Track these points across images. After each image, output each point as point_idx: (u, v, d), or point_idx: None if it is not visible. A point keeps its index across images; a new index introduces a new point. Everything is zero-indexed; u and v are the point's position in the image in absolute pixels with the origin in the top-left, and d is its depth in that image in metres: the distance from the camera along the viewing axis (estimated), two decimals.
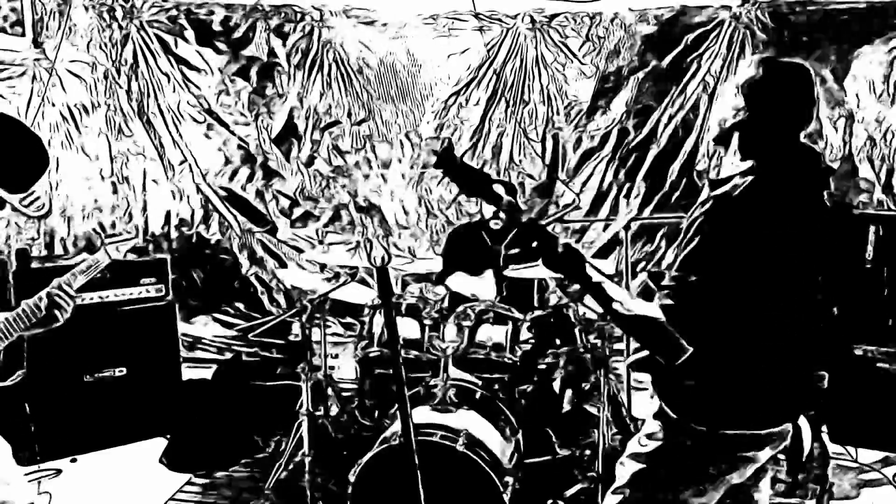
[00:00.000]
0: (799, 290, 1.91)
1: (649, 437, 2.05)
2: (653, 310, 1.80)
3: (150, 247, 5.54)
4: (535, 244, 1.88)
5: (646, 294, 2.02)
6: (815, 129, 5.16)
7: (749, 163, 1.90)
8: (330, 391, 4.02)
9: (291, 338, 5.29)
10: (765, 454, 1.97)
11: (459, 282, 4.05)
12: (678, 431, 1.95)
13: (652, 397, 2.05)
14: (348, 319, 5.45)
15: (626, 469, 2.07)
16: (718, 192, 1.87)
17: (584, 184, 5.53)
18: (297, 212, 5.77)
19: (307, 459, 3.41)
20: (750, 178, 1.86)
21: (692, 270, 1.79)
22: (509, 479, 2.88)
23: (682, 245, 1.83)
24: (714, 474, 1.94)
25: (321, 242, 5.64)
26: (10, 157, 2.20)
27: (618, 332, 3.84)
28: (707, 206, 1.84)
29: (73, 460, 3.92)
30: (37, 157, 2.28)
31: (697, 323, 1.78)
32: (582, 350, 3.84)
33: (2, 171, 2.18)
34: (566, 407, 4.05)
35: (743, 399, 1.88)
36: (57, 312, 2.32)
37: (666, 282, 1.83)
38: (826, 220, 1.94)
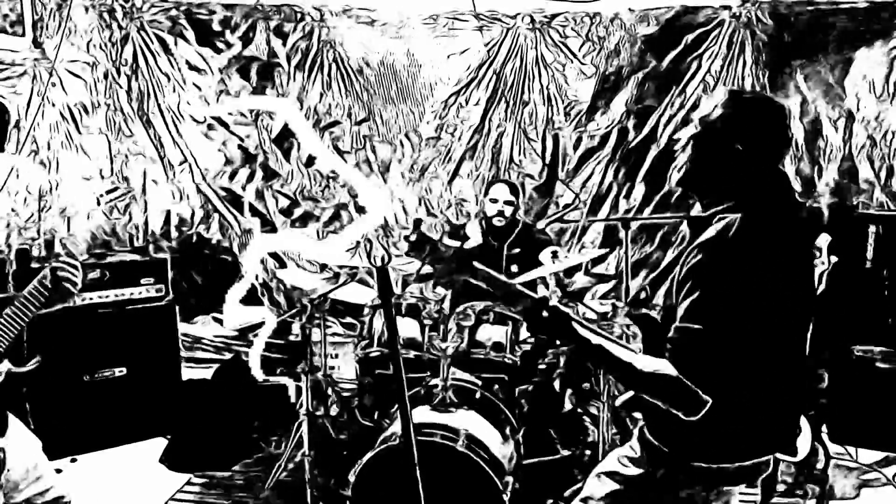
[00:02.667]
0: (795, 322, 1.88)
1: (632, 460, 2.03)
2: (664, 365, 1.75)
3: (151, 247, 5.54)
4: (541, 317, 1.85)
5: (645, 323, 1.99)
6: (815, 131, 5.17)
7: (730, 203, 1.86)
8: (330, 391, 4.03)
9: (291, 338, 5.28)
10: (742, 485, 1.96)
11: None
12: (664, 464, 1.93)
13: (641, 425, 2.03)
14: (348, 319, 5.45)
15: (601, 485, 2.05)
16: (710, 234, 1.81)
17: (584, 184, 5.53)
18: (297, 212, 5.77)
19: (307, 459, 3.42)
20: (737, 215, 1.80)
21: (697, 320, 1.73)
22: (509, 479, 2.88)
23: (683, 294, 1.77)
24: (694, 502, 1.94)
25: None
26: None
27: (617, 330, 3.83)
28: (702, 252, 1.78)
29: (73, 460, 3.92)
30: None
31: (708, 371, 1.73)
32: None
33: None
34: (566, 407, 4.05)
35: (738, 433, 1.85)
36: (68, 285, 2.33)
37: (671, 335, 1.78)
38: (805, 242, 1.92)
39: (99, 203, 2.53)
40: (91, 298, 3.97)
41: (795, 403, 1.95)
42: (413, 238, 2.00)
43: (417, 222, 1.79)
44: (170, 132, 5.68)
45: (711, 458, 1.87)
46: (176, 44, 5.59)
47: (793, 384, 1.92)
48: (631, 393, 1.89)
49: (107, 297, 4.03)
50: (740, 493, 2.02)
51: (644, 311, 1.99)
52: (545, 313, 1.83)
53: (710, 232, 1.82)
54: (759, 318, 1.76)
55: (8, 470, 2.32)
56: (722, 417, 1.76)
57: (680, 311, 1.77)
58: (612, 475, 2.05)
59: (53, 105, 5.05)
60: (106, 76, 5.52)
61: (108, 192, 2.57)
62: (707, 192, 1.93)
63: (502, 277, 1.92)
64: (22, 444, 2.39)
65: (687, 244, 1.88)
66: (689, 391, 1.72)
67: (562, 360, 3.84)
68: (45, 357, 2.39)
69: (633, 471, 2.01)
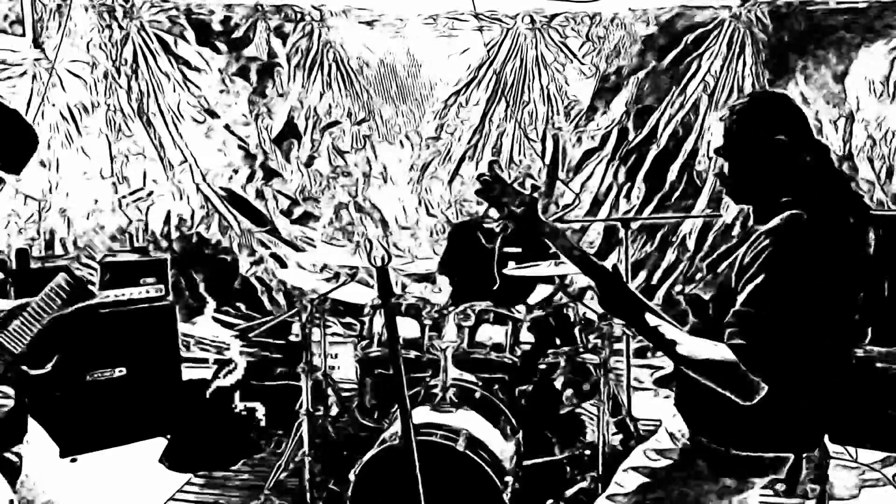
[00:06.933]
0: (849, 312, 1.91)
1: (660, 452, 2.03)
2: (721, 351, 1.76)
3: (151, 247, 5.54)
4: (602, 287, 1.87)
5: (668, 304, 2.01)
6: (814, 131, 5.17)
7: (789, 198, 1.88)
8: (330, 391, 4.02)
9: (291, 338, 5.28)
10: (768, 477, 1.97)
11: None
12: (695, 451, 1.94)
13: (674, 416, 2.04)
14: (348, 319, 5.45)
15: (629, 479, 2.05)
16: (777, 222, 1.82)
17: (584, 184, 5.54)
18: (297, 212, 5.78)
19: (307, 459, 3.42)
20: (799, 209, 1.82)
21: (758, 304, 1.74)
22: (509, 479, 2.88)
23: (746, 279, 1.78)
24: (723, 494, 1.94)
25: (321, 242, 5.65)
26: (3, 141, 2.26)
27: (618, 331, 3.83)
28: (769, 238, 1.79)
29: (73, 460, 3.91)
30: (27, 139, 2.34)
31: (769, 358, 1.74)
32: (582, 350, 3.84)
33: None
34: (566, 407, 4.05)
35: (779, 422, 1.87)
36: (89, 286, 2.35)
37: (730, 319, 1.78)
38: (861, 234, 1.94)
39: (121, 205, 2.54)
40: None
41: (835, 398, 1.96)
42: (487, 177, 1.97)
43: (493, 163, 1.79)
44: (170, 132, 5.68)
45: (745, 445, 1.88)
46: (176, 44, 5.59)
47: (839, 378, 1.93)
48: (667, 370, 1.91)
49: (107, 297, 4.03)
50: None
51: (695, 292, 1.99)
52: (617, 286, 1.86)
53: (777, 220, 1.83)
54: (820, 309, 1.78)
55: (26, 476, 2.32)
56: (769, 404, 1.76)
57: (741, 296, 1.77)
58: (639, 469, 2.05)
59: (53, 105, 5.06)
60: (106, 76, 5.52)
61: (131, 192, 2.58)
62: (762, 196, 1.93)
63: (570, 238, 1.94)
64: (40, 450, 2.39)
65: (751, 229, 1.89)
66: (744, 378, 1.73)
67: (562, 360, 3.84)
68: (44, 356, 2.39)
69: (662, 462, 2.01)
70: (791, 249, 1.77)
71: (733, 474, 1.92)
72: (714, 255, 2.03)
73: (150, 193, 2.59)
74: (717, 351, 1.76)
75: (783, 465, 1.93)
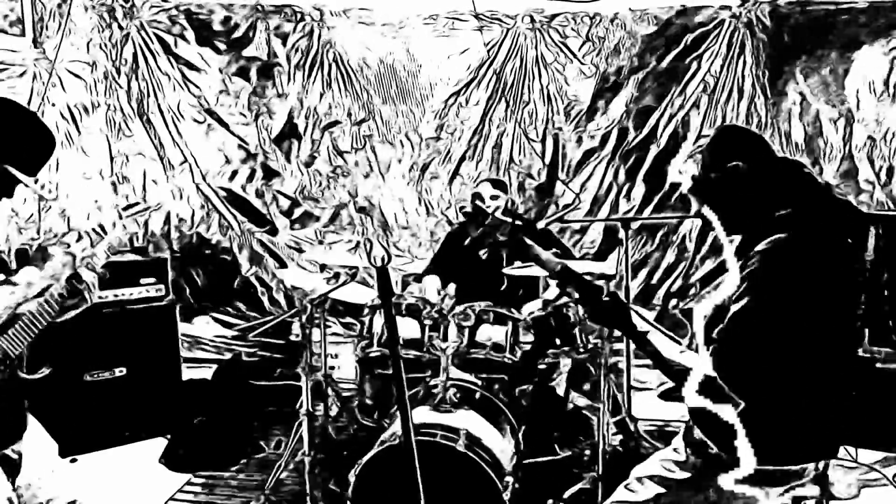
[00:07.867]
0: (846, 330, 1.92)
1: (678, 464, 2.03)
2: (702, 363, 1.79)
3: (150, 247, 5.54)
4: (581, 294, 1.90)
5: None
6: (815, 131, 5.17)
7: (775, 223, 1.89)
8: (330, 391, 4.02)
9: (291, 338, 5.28)
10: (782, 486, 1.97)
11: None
12: (714, 464, 1.94)
13: (692, 426, 2.04)
14: (348, 319, 5.45)
15: (643, 487, 2.05)
16: (766, 245, 1.83)
17: (584, 184, 5.53)
18: (297, 212, 5.78)
19: (307, 459, 3.42)
20: (788, 228, 1.84)
21: (742, 325, 1.77)
22: (509, 479, 2.88)
23: (735, 298, 1.80)
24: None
25: (321, 242, 5.65)
26: (22, 142, 2.26)
27: (617, 331, 3.83)
28: (757, 258, 1.80)
29: (73, 460, 3.91)
30: (45, 142, 2.34)
31: (748, 374, 1.76)
32: (582, 350, 3.84)
33: (16, 154, 2.22)
34: (567, 406, 4.05)
35: (789, 436, 1.88)
36: (85, 294, 2.34)
37: (715, 335, 1.81)
38: (855, 250, 1.94)
39: (121, 217, 2.54)
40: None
41: (835, 413, 1.96)
42: (468, 209, 2.05)
43: (475, 196, 1.84)
44: (170, 132, 5.68)
45: (776, 460, 1.89)
46: (176, 44, 5.59)
47: (836, 394, 1.93)
48: (670, 384, 1.93)
49: (107, 297, 4.03)
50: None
51: (691, 306, 2.03)
52: (605, 299, 1.89)
53: (764, 243, 1.84)
54: (810, 323, 1.79)
55: (26, 474, 2.32)
56: (765, 419, 1.80)
57: (729, 314, 1.80)
58: (654, 478, 2.05)
59: (53, 105, 5.06)
60: (106, 76, 5.52)
61: (127, 207, 2.57)
62: (748, 223, 1.94)
63: (554, 258, 1.97)
64: (39, 448, 2.39)
65: (745, 247, 1.90)
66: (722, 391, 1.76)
67: (562, 360, 3.84)
68: (45, 358, 2.39)
69: (680, 474, 2.02)
70: (773, 275, 1.79)
71: (749, 485, 1.92)
72: (707, 271, 2.06)
73: (148, 208, 2.58)
74: (698, 362, 1.81)
75: (799, 475, 1.92)
